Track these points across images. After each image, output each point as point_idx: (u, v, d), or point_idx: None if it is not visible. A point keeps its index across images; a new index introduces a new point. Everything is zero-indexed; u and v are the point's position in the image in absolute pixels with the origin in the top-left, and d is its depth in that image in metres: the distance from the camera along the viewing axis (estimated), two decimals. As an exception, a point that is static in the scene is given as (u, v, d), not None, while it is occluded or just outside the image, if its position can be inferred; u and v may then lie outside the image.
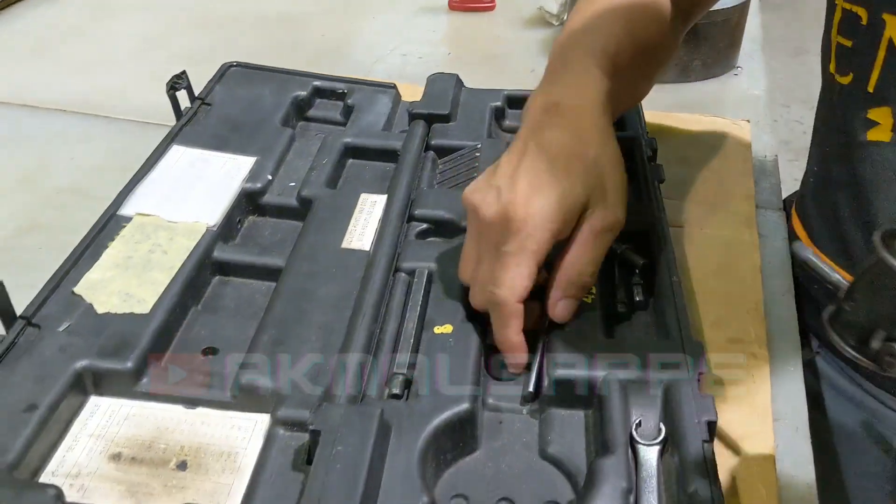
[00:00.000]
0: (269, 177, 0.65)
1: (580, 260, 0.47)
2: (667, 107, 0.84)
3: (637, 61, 0.58)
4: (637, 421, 0.44)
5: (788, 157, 2.80)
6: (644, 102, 0.71)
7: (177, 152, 0.67)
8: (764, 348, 0.55)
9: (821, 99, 0.61)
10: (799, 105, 3.08)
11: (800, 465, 0.48)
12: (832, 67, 0.56)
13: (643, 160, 0.66)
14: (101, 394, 0.48)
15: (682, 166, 0.74)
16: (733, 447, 0.48)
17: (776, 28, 3.34)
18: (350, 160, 0.71)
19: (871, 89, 0.52)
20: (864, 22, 0.51)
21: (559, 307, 0.48)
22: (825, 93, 0.59)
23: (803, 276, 0.63)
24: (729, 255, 0.64)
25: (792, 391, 0.53)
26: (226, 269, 0.58)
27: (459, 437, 0.45)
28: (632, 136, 0.69)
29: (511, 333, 0.47)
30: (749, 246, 0.65)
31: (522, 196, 0.46)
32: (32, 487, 0.40)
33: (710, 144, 0.78)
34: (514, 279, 0.46)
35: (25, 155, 0.77)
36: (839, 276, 0.50)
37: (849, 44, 0.53)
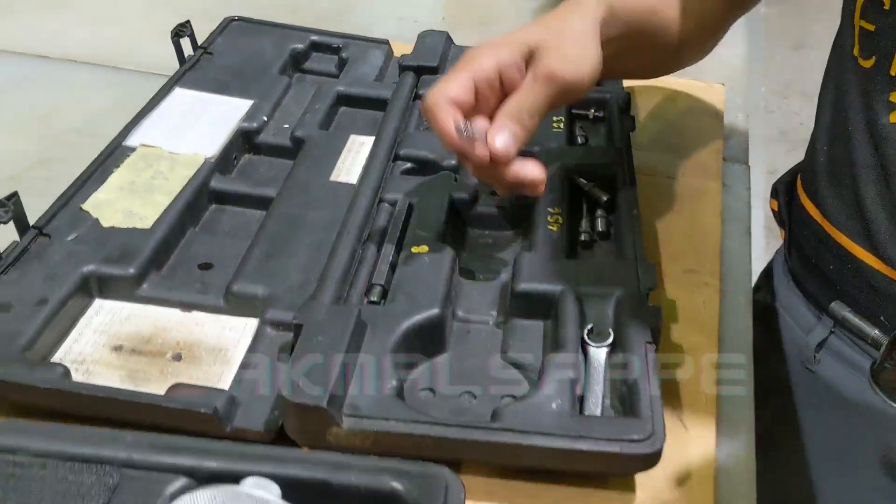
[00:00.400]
0: (265, 118, 0.70)
1: (520, 98, 0.49)
2: (647, 70, 0.89)
3: (635, 27, 0.58)
4: (589, 327, 0.49)
5: (786, 147, 2.84)
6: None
7: (179, 94, 0.71)
8: (717, 279, 0.59)
9: (832, 82, 0.61)
10: (797, 97, 3.11)
11: (740, 376, 0.53)
12: (856, 51, 0.56)
13: (616, 110, 0.70)
14: (105, 296, 0.52)
15: (657, 122, 0.79)
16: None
17: (777, 22, 3.37)
18: (342, 108, 0.75)
19: (892, 72, 0.52)
20: (887, 6, 0.52)
21: (497, 138, 0.48)
22: (842, 75, 0.58)
23: (818, 256, 0.63)
24: (693, 200, 0.68)
25: (739, 317, 0.57)
26: (222, 197, 0.63)
27: (429, 338, 0.50)
28: (607, 90, 0.73)
29: (441, 125, 0.48)
30: (713, 193, 0.69)
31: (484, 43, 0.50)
32: (43, 365, 0.45)
33: (684, 103, 0.82)
34: (441, 85, 0.48)
35: (38, 98, 0.81)
36: (878, 332, 0.55)
37: (871, 28, 0.54)
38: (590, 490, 0.44)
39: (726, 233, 0.65)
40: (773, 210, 0.70)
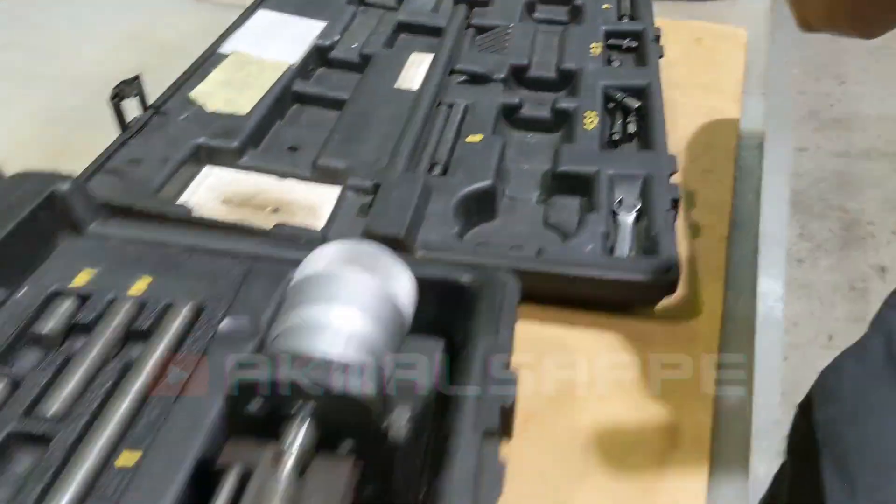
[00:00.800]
0: (337, 37, 0.79)
1: None
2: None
3: None
4: (619, 199, 0.58)
5: (814, 125, 2.89)
6: (658, 13, 0.85)
7: (263, 14, 0.81)
8: (730, 178, 0.68)
9: None
10: (829, 79, 3.15)
11: (746, 242, 0.62)
12: None
13: (649, 40, 0.79)
14: (213, 164, 0.63)
15: (684, 56, 0.87)
16: (694, 230, 0.61)
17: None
18: (402, 34, 0.84)
19: None
20: None
21: None
22: None
23: None
24: (713, 117, 0.77)
25: (747, 205, 0.67)
26: (303, 98, 0.73)
27: (483, 205, 0.60)
28: (642, 25, 0.82)
29: None
30: (731, 112, 0.78)
31: None
32: (173, 203, 0.55)
33: (709, 42, 0.91)
34: None
35: (132, 19, 0.92)
36: None
37: None
38: (617, 319, 0.53)
39: (741, 145, 0.74)
40: None
